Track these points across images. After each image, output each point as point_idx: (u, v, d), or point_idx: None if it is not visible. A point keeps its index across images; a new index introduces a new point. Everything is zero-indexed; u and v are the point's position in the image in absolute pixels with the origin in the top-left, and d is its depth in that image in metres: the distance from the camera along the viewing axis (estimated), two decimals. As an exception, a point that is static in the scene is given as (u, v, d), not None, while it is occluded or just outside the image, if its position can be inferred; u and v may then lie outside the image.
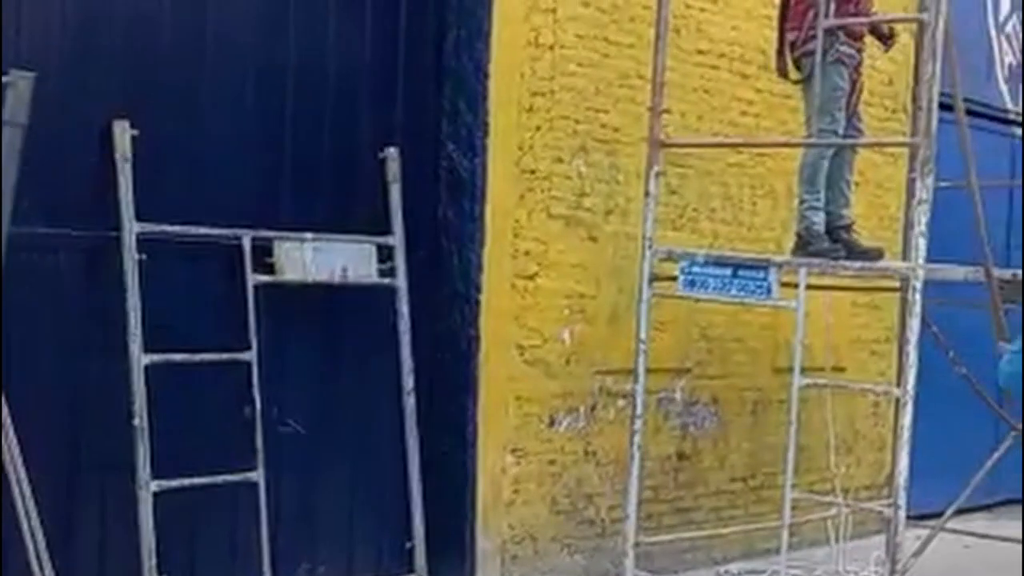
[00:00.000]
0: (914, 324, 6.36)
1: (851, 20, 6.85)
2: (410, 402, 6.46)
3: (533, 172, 6.79)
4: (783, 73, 7.18)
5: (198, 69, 5.73)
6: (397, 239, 6.35)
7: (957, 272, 7.65)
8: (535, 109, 6.76)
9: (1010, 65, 10.36)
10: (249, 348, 5.78)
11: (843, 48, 6.89)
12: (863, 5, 6.98)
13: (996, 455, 7.69)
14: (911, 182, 7.06)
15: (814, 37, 6.63)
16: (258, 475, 5.83)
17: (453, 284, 6.68)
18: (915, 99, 7.15)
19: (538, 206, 6.85)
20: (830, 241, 7.07)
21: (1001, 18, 10.23)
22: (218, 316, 5.78)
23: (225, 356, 5.72)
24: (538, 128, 6.79)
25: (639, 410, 6.94)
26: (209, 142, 5.76)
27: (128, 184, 5.42)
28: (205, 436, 5.72)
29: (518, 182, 6.74)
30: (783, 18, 7.09)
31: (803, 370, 6.62)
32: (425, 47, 6.58)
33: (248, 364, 5.78)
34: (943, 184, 8.15)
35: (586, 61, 6.98)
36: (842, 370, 8.56)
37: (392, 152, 6.33)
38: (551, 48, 6.79)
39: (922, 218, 6.35)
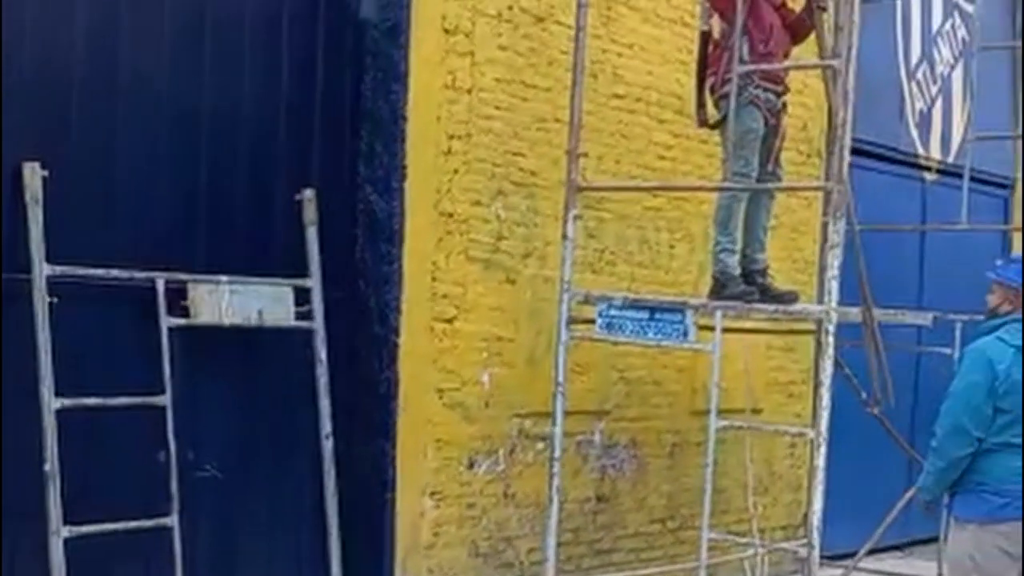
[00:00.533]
0: (827, 366, 6.43)
1: (766, 66, 6.95)
2: (328, 445, 6.41)
3: (451, 215, 6.81)
4: (704, 123, 7.23)
5: (111, 110, 5.68)
6: (314, 282, 6.32)
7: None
8: (453, 152, 6.78)
9: (920, 111, 10.55)
10: (163, 392, 5.72)
11: (756, 91, 6.97)
12: (774, 45, 7.05)
13: (908, 495, 7.79)
14: (824, 226, 7.16)
15: (730, 80, 6.72)
16: (173, 520, 5.76)
17: (371, 327, 6.66)
18: (829, 144, 7.26)
19: (456, 249, 6.85)
20: (746, 284, 7.15)
21: (912, 64, 10.42)
22: (132, 359, 5.72)
23: (139, 400, 5.65)
24: (456, 171, 6.81)
25: (558, 452, 6.96)
26: (122, 184, 5.72)
27: (39, 226, 5.35)
28: (118, 481, 5.65)
29: (436, 225, 6.75)
30: (702, 65, 7.18)
31: (720, 412, 6.67)
32: (342, 89, 6.58)
33: (163, 408, 5.72)
34: (856, 228, 8.31)
35: (504, 104, 7.02)
36: (759, 412, 8.62)
37: (309, 194, 6.32)
38: (469, 91, 6.82)
39: (834, 261, 6.42)
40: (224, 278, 5.96)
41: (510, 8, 6.97)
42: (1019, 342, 5.93)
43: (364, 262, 6.66)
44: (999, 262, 6.26)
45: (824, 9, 7.11)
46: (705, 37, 7.09)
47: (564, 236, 6.95)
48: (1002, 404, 5.83)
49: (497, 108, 6.98)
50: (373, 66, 6.59)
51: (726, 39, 6.84)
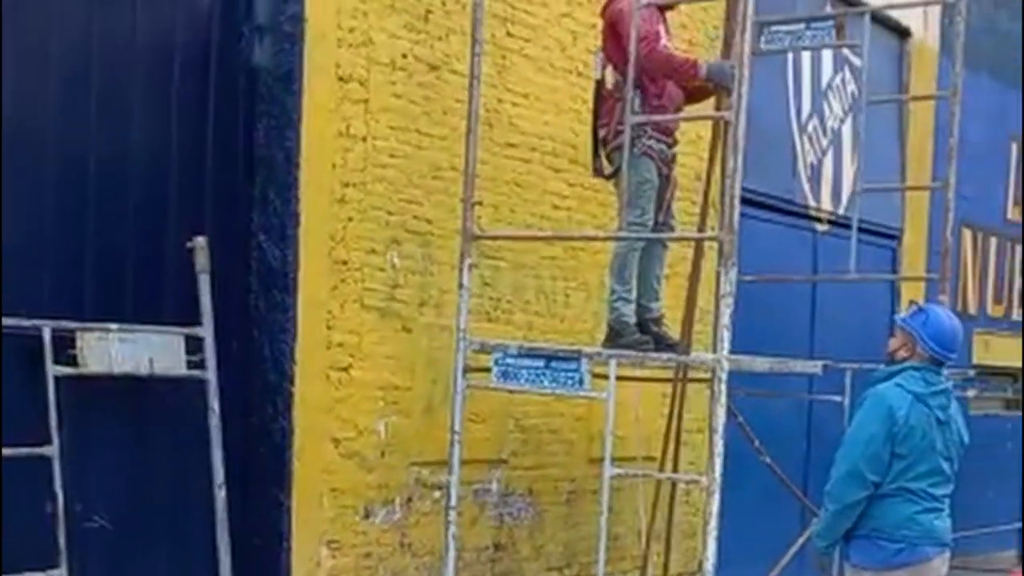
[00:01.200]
0: (720, 414, 6.49)
1: (658, 117, 7.05)
2: (221, 495, 6.32)
3: (346, 263, 6.79)
4: (600, 173, 7.31)
5: (-5, 158, 5.61)
6: (206, 330, 6.26)
7: (762, 364, 7.86)
8: (347, 200, 6.78)
9: (812, 163, 10.76)
10: (50, 442, 5.62)
11: (650, 142, 7.08)
12: (667, 98, 7.16)
13: (801, 540, 7.87)
14: (717, 275, 7.25)
15: (623, 132, 6.81)
16: (60, 573, 5.63)
17: (265, 376, 6.61)
18: (721, 194, 7.35)
19: (351, 297, 6.84)
20: (641, 333, 7.22)
21: (803, 118, 10.63)
22: (18, 409, 5.60)
23: (25, 451, 5.54)
24: (351, 219, 6.80)
25: (454, 501, 6.94)
26: (8, 232, 5.62)
27: (-79, 273, 5.26)
28: (4, 532, 5.52)
29: (331, 273, 6.73)
30: (595, 116, 7.27)
31: (616, 460, 6.70)
32: (235, 136, 6.55)
33: (49, 458, 5.61)
34: (748, 278, 8.44)
35: (399, 152, 7.04)
36: (653, 460, 8.66)
37: (201, 241, 6.26)
38: (363, 139, 6.83)
39: (726, 311, 6.50)
40: (114, 326, 5.88)
41: (404, 56, 7.00)
42: (917, 389, 6.05)
43: (258, 310, 6.61)
44: (911, 308, 6.40)
45: (729, 92, 7.17)
46: (599, 86, 7.18)
47: (460, 285, 6.96)
48: (900, 450, 5.96)
49: (392, 156, 7.00)
50: (266, 113, 6.58)
51: (620, 90, 6.93)
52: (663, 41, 6.96)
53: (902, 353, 6.15)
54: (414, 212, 7.16)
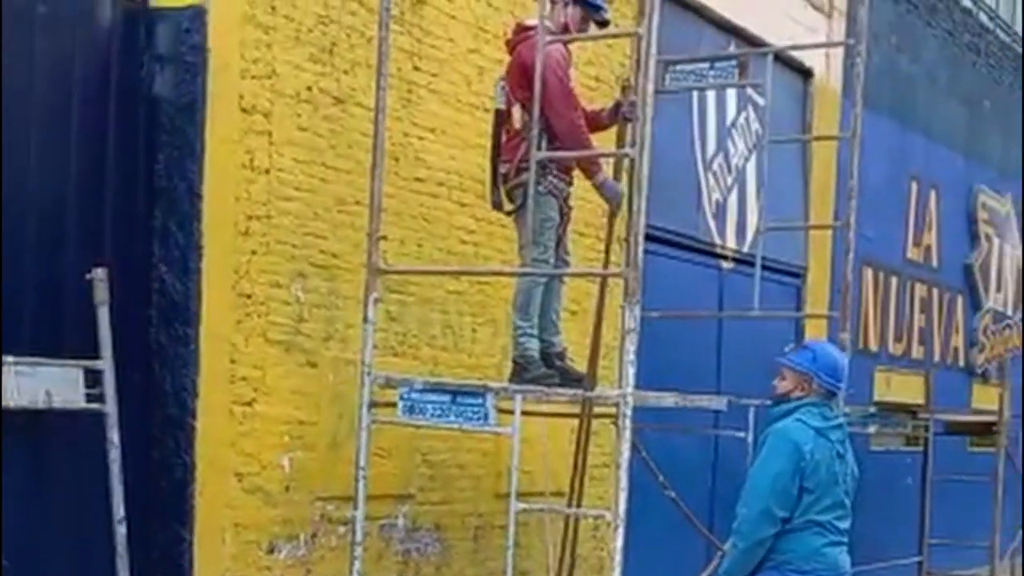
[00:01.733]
0: (625, 449, 6.52)
1: (562, 154, 7.10)
2: (121, 531, 6.21)
3: (250, 296, 6.74)
4: (497, 206, 7.37)
5: None
6: (106, 363, 6.15)
7: (668, 399, 7.91)
8: (251, 232, 6.73)
9: (717, 201, 10.87)
10: (-57, 477, 5.50)
11: (554, 180, 7.15)
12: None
13: (705, 574, 7.91)
14: (621, 311, 7.29)
15: (525, 169, 6.86)
16: (-48, 612, 5.51)
17: (167, 409, 6.52)
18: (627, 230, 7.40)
19: (255, 331, 6.78)
20: (546, 368, 7.24)
21: (708, 156, 10.75)
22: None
23: (-83, 485, 5.42)
24: (254, 252, 6.75)
25: (360, 537, 6.89)
26: None
27: None
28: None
29: (234, 306, 6.67)
30: (495, 152, 7.30)
31: (524, 495, 6.70)
32: (135, 167, 6.48)
33: (-58, 494, 5.50)
34: (654, 314, 8.51)
35: (304, 185, 7.01)
36: (562, 495, 8.66)
37: (100, 273, 6.16)
38: (267, 171, 6.79)
39: (630, 347, 6.54)
40: (10, 358, 5.77)
41: (309, 89, 6.99)
42: (817, 424, 6.12)
43: (159, 343, 6.53)
44: (789, 348, 6.47)
45: (630, 120, 7.28)
46: (501, 119, 7.22)
47: (365, 319, 6.95)
48: (807, 484, 6.01)
49: (297, 189, 6.97)
50: (168, 144, 6.52)
51: (526, 129, 6.98)
52: (578, 112, 7.10)
53: (797, 393, 6.21)
54: (320, 246, 7.13)
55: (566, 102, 7.02)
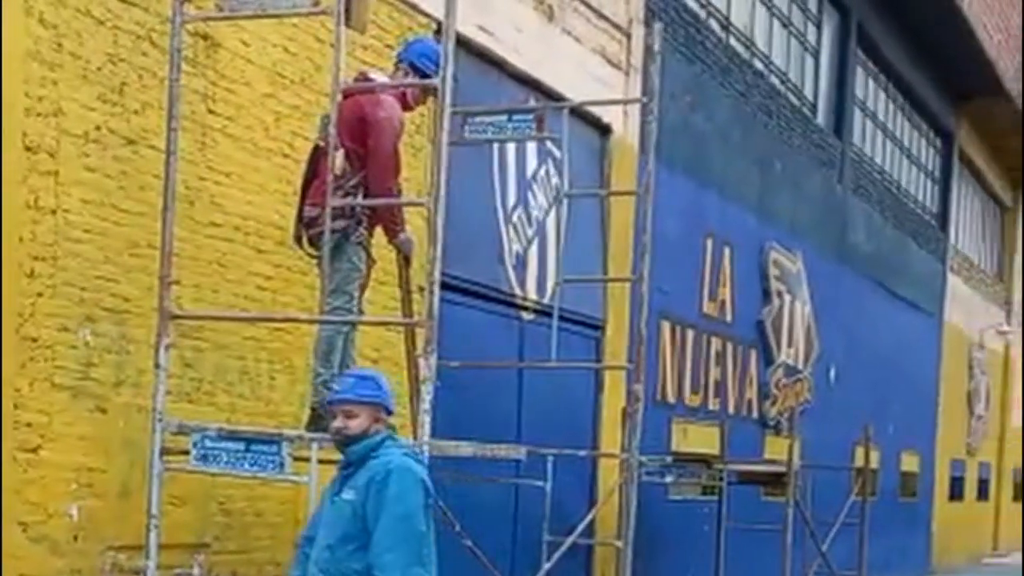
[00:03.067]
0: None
1: (363, 202, 7.14)
2: None
3: (35, 340, 6.56)
4: (299, 241, 7.37)
5: None
6: None
7: (466, 448, 7.94)
8: (37, 275, 6.56)
9: (517, 252, 11.00)
10: None
11: (364, 232, 7.20)
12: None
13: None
14: (417, 361, 7.32)
15: (340, 217, 6.89)
16: None
17: (-56, 457, 6.30)
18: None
19: (41, 375, 6.60)
20: (343, 417, 7.21)
21: (509, 208, 10.88)
22: None
23: None
24: (40, 294, 6.58)
25: (152, 587, 6.74)
26: None
27: None
28: None
29: (18, 350, 6.49)
30: (305, 189, 7.31)
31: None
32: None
33: None
34: (454, 364, 8.55)
35: (94, 227, 6.87)
36: (361, 543, 8.60)
37: None
38: (53, 212, 6.63)
39: (426, 396, 6.58)
40: None
41: (98, 128, 6.86)
42: (416, 457, 5.77)
43: (-65, 388, 6.31)
44: (350, 380, 5.80)
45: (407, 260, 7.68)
46: (316, 151, 7.22)
47: (157, 365, 6.84)
48: (431, 530, 5.56)
49: (86, 231, 6.82)
50: (-51, 181, 6.34)
51: (345, 178, 7.00)
52: (395, 183, 7.24)
53: (376, 427, 5.64)
54: (110, 289, 6.99)
55: (390, 169, 7.17)
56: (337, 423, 5.67)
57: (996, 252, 30.07)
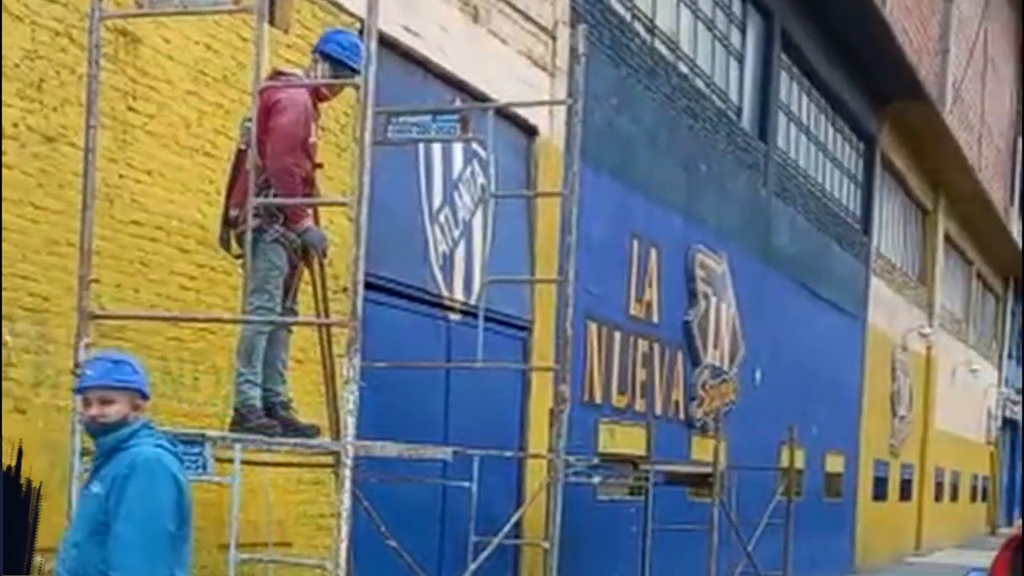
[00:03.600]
0: (346, 499, 6.51)
1: (281, 200, 7.08)
2: None
3: (-50, 340, 6.46)
4: (225, 244, 7.31)
5: None
6: None
7: (392, 449, 7.92)
8: (-48, 273, 6.47)
9: (444, 253, 10.97)
10: None
11: (281, 229, 7.13)
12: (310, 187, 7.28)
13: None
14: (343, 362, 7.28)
15: (255, 215, 6.83)
16: None
17: None
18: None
19: (-45, 376, 6.49)
20: (268, 417, 7.18)
21: (435, 208, 10.85)
22: None
23: None
24: (-44, 293, 6.49)
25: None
26: None
27: None
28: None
29: (-66, 350, 6.38)
30: (230, 191, 7.25)
31: (248, 546, 6.60)
32: None
33: None
34: (380, 365, 8.52)
35: (12, 226, 6.76)
36: (288, 545, 8.55)
37: None
38: (-31, 209, 6.55)
39: (350, 396, 6.55)
40: None
41: (15, 126, 6.76)
42: (173, 450, 5.29)
43: None
44: (106, 365, 5.30)
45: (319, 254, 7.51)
46: (240, 156, 7.16)
47: (76, 365, 6.73)
48: (183, 529, 5.14)
49: (4, 229, 6.71)
50: None
51: (259, 174, 6.94)
52: (297, 160, 7.11)
53: (135, 415, 5.21)
54: (29, 288, 6.89)
55: (286, 144, 7.02)
56: (93, 411, 5.18)
57: (918, 255, 30.50)
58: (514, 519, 9.96)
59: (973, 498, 38.94)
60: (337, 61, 7.35)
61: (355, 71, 7.29)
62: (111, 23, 7.10)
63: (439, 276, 10.90)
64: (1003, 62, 37.82)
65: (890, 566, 25.98)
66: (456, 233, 11.14)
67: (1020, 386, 43.40)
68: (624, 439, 14.34)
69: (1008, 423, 43.21)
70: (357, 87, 6.79)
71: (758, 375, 18.74)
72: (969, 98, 32.83)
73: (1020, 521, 12.70)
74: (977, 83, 33.88)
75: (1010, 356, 42.31)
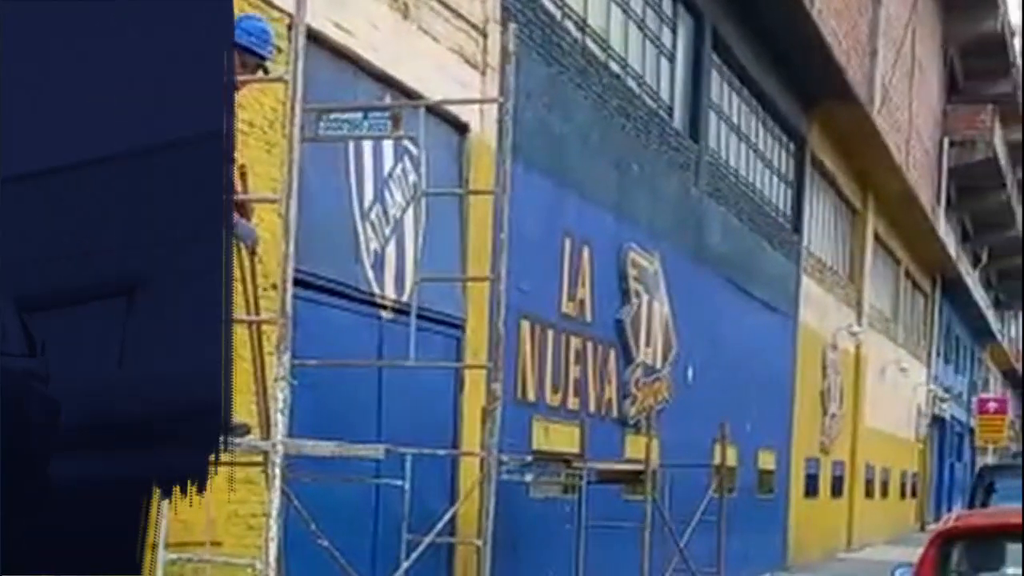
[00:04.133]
0: (275, 498, 6.47)
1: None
2: None
3: None
4: None
5: None
6: None
7: (324, 448, 7.87)
8: None
9: (375, 251, 10.92)
10: None
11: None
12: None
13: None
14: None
15: None
16: None
17: None
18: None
19: None
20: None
21: (366, 205, 10.80)
22: None
23: None
24: None
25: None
26: None
27: None
28: None
29: None
30: None
31: (181, 545, 6.54)
32: None
33: None
34: (312, 363, 8.47)
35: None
36: (219, 544, 8.47)
37: None
38: None
39: (280, 395, 6.50)
40: None
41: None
42: None
43: None
44: None
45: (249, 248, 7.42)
46: None
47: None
48: None
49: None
50: None
51: None
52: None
53: None
54: None
55: None
56: None
57: (847, 254, 30.83)
58: (447, 517, 9.94)
59: (903, 494, 39.42)
60: (244, 49, 7.11)
61: (263, 58, 7.21)
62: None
63: (371, 274, 10.84)
64: (929, 63, 38.35)
65: (822, 562, 26.22)
66: (387, 231, 11.08)
67: (948, 384, 44.02)
68: (558, 437, 14.35)
69: (937, 420, 43.80)
70: (286, 83, 6.75)
71: (691, 373, 18.83)
72: (897, 99, 33.26)
73: (946, 516, 12.84)
74: (905, 84, 34.33)
75: (938, 354, 42.89)
